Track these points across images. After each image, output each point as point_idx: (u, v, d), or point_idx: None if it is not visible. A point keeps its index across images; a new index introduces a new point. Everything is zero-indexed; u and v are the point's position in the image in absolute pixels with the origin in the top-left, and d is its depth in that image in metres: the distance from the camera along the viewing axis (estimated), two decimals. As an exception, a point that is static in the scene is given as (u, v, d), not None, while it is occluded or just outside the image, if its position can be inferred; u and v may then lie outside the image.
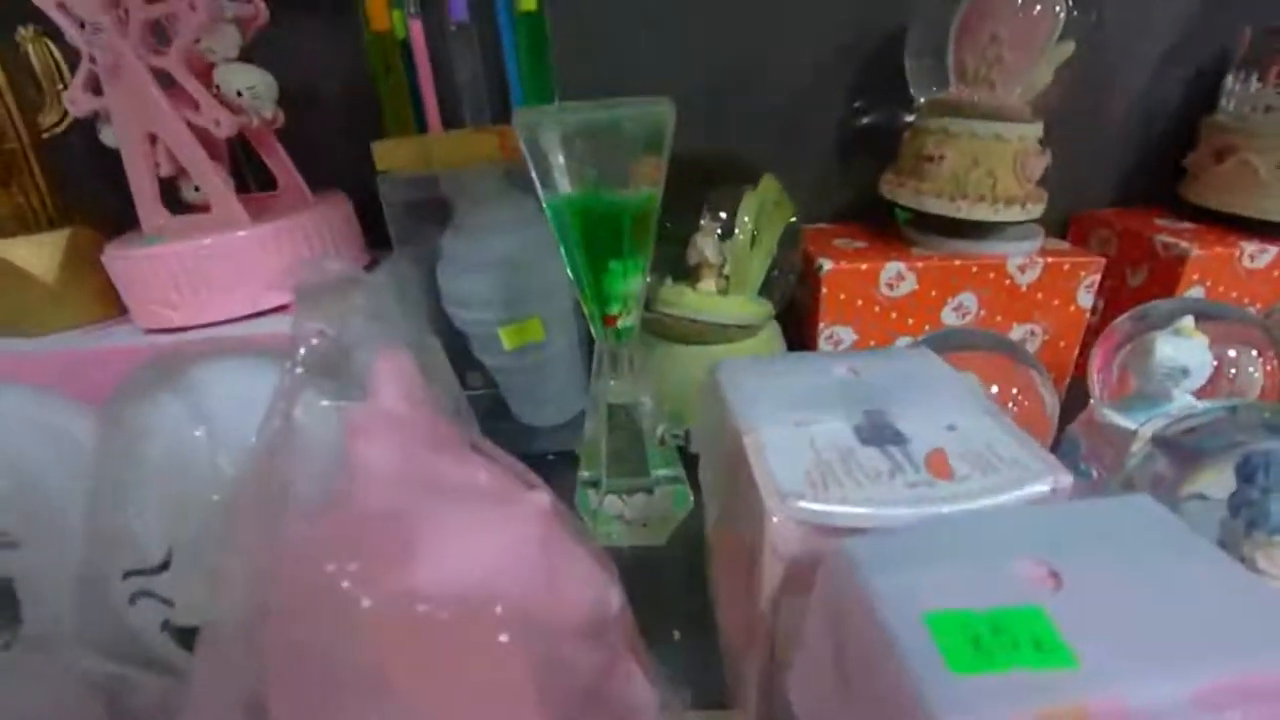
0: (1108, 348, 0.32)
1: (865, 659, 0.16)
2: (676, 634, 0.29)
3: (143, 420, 0.22)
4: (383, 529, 0.13)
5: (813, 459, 0.20)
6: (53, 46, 0.36)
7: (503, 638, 0.13)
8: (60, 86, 0.36)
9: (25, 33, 0.36)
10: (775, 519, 0.19)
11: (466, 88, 0.37)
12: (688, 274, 0.40)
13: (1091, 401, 0.33)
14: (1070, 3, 0.33)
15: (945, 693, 0.13)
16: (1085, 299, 0.40)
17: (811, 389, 0.24)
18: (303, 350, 0.20)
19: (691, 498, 0.36)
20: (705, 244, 0.38)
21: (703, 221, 0.38)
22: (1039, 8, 0.33)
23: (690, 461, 0.35)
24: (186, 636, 0.23)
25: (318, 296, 0.19)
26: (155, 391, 0.23)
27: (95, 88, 0.33)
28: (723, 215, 0.37)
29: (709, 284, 0.39)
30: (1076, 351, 0.42)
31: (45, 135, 0.36)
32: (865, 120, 0.45)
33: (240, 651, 0.20)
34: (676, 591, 0.32)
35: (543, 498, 0.17)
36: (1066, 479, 0.19)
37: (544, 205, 0.29)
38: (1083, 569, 0.16)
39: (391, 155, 0.36)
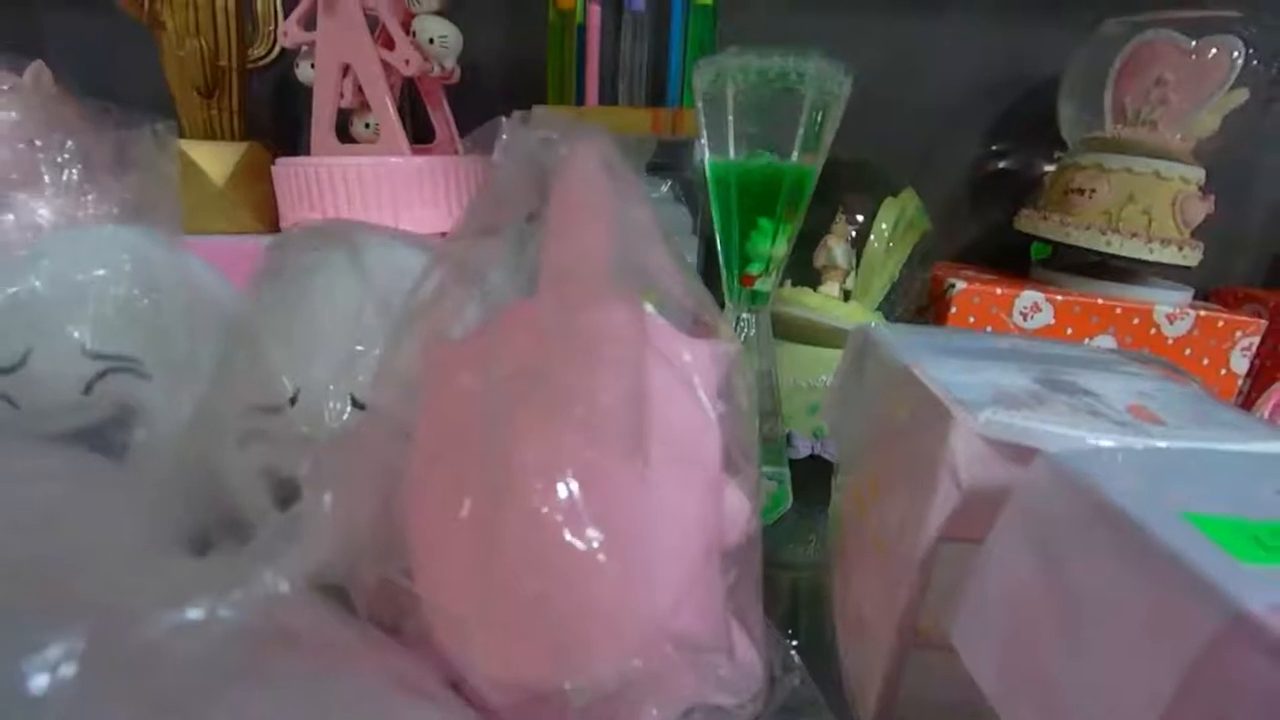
0: (1284, 395, 0.29)
1: (1099, 569, 0.13)
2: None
3: (306, 258, 0.23)
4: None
5: (995, 390, 0.19)
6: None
7: (705, 402, 0.12)
8: (271, 27, 0.41)
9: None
10: (962, 428, 0.17)
11: (627, 73, 0.39)
12: (810, 279, 0.39)
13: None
14: (1250, 50, 0.33)
15: (1244, 579, 0.11)
16: (1240, 363, 0.37)
17: (978, 348, 0.23)
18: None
19: (789, 503, 0.34)
20: (836, 247, 0.38)
21: (835, 225, 0.38)
22: (1214, 52, 0.33)
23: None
24: (281, 488, 0.23)
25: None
26: (322, 239, 0.24)
27: (307, 24, 0.36)
28: (860, 218, 0.37)
29: (832, 288, 0.38)
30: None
31: (251, 66, 0.40)
32: (1002, 164, 0.45)
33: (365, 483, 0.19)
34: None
35: (732, 348, 0.16)
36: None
37: (705, 165, 0.30)
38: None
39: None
